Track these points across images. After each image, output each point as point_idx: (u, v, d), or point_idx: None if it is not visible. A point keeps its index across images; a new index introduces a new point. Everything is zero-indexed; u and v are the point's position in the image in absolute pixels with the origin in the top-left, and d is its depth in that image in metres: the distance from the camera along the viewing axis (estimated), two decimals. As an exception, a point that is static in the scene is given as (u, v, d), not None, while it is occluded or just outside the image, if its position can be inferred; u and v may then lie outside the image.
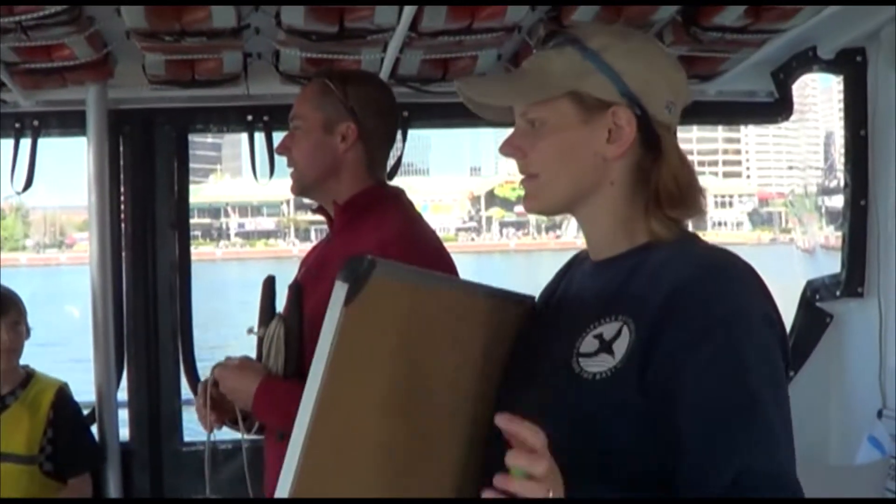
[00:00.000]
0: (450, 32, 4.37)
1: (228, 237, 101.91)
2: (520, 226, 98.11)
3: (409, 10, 4.09)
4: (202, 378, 5.13)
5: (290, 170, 3.53)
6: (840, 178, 5.42)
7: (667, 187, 2.23)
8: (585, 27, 2.78)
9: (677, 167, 2.25)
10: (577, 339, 2.19)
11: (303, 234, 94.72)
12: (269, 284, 3.48)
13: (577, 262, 2.48)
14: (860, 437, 5.09)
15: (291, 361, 3.31)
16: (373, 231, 3.32)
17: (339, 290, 1.97)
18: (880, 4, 4.64)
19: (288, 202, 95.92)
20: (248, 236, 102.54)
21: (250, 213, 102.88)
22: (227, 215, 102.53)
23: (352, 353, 2.01)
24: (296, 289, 3.36)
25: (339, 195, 3.47)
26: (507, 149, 2.30)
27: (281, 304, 3.51)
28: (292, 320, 3.32)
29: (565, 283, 2.47)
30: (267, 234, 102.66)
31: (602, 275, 2.29)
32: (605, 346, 2.14)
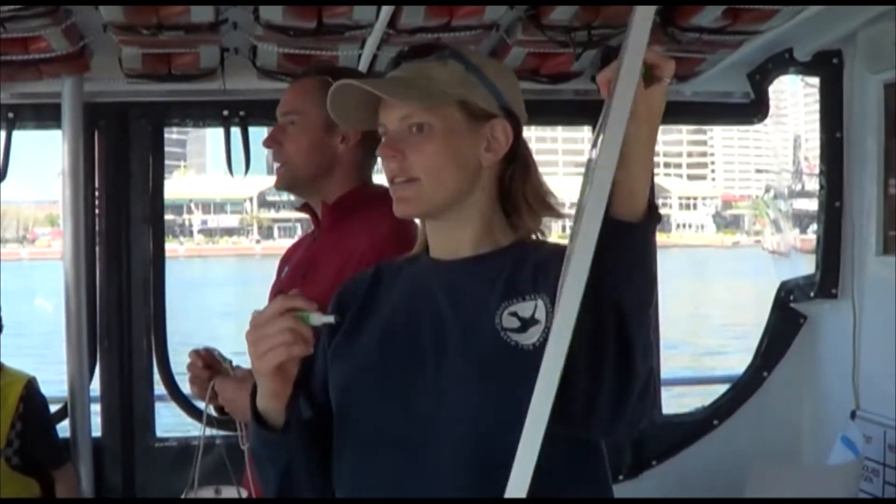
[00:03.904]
0: (428, 30, 4.36)
1: (191, 234, 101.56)
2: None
3: (387, 8, 4.10)
4: (174, 373, 5.15)
5: (277, 164, 3.45)
6: (808, 181, 5.46)
7: (527, 196, 2.42)
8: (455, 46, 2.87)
9: (537, 178, 2.45)
10: (491, 317, 2.27)
11: (266, 232, 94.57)
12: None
13: (390, 271, 2.52)
14: (833, 438, 5.11)
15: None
16: (363, 230, 3.28)
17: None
18: (858, 4, 4.67)
19: (251, 200, 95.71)
20: (210, 233, 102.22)
21: (213, 210, 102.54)
22: (190, 212, 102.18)
23: None
24: None
25: (328, 194, 3.42)
26: (387, 151, 2.35)
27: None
28: None
29: (399, 285, 2.48)
30: (230, 232, 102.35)
31: (477, 269, 2.38)
32: (530, 320, 2.25)
